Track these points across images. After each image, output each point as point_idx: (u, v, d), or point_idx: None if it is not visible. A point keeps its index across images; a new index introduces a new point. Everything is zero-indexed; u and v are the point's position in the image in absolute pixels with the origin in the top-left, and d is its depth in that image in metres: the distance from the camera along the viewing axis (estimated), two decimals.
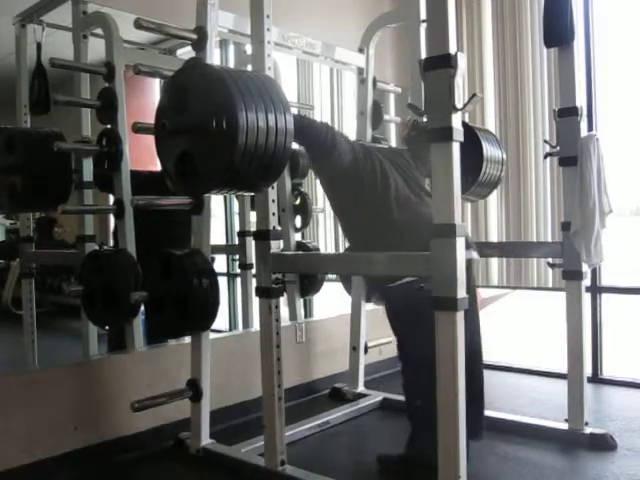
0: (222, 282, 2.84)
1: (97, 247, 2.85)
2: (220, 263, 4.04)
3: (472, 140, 2.74)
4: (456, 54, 1.71)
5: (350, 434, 2.93)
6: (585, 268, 2.65)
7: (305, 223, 3.63)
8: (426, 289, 1.80)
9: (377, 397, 3.28)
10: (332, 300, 4.23)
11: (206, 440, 2.58)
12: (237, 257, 3.87)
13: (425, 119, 1.91)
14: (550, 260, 3.07)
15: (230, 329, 4.21)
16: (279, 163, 2.02)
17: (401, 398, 2.48)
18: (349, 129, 3.64)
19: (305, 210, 3.58)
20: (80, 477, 2.42)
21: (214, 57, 2.45)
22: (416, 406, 2.24)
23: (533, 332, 6.04)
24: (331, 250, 4.37)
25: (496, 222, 4.04)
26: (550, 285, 3.80)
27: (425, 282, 1.83)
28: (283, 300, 2.53)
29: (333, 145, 2.27)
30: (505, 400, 3.26)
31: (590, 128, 3.47)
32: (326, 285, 3.74)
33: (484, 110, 4.01)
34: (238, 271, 3.96)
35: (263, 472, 2.36)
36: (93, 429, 2.53)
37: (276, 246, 2.33)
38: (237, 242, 3.80)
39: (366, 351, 3.40)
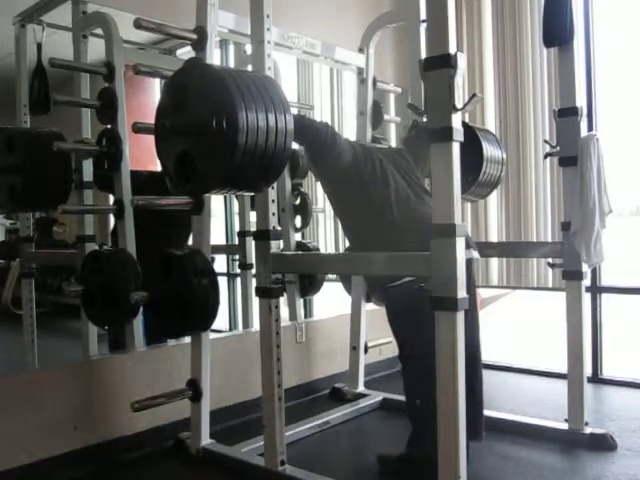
0: (222, 282, 2.84)
1: (97, 247, 2.85)
2: (220, 263, 4.04)
3: (472, 140, 2.74)
4: (456, 54, 1.71)
5: (350, 434, 2.93)
6: (585, 268, 2.65)
7: (305, 223, 3.63)
8: (426, 289, 1.80)
9: (377, 397, 3.28)
10: (332, 300, 4.23)
11: (206, 440, 2.57)
12: (237, 257, 3.87)
13: (425, 119, 1.91)
14: (550, 260, 3.07)
15: (230, 329, 4.22)
16: (279, 163, 2.02)
17: (401, 398, 2.49)
18: (349, 129, 3.64)
19: (305, 210, 3.58)
20: (80, 477, 2.42)
21: (214, 57, 2.45)
22: (416, 406, 2.24)
23: (533, 332, 6.04)
24: (331, 250, 4.37)
25: (496, 222, 4.04)
26: (550, 285, 3.80)
27: (425, 282, 1.83)
28: (283, 300, 2.53)
29: (333, 144, 2.27)
30: (505, 400, 3.26)
31: (590, 128, 3.47)
32: (326, 285, 3.74)
33: (484, 110, 4.00)
34: (238, 271, 3.96)
35: (263, 472, 2.35)
36: (93, 429, 2.53)
37: (276, 246, 2.32)
38: (237, 242, 3.80)
39: (366, 351, 3.40)
